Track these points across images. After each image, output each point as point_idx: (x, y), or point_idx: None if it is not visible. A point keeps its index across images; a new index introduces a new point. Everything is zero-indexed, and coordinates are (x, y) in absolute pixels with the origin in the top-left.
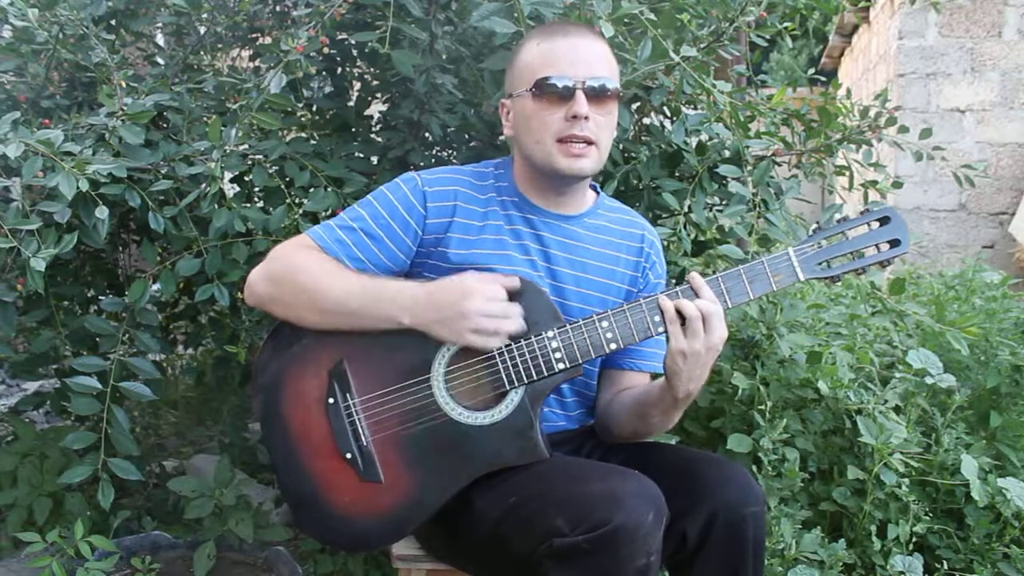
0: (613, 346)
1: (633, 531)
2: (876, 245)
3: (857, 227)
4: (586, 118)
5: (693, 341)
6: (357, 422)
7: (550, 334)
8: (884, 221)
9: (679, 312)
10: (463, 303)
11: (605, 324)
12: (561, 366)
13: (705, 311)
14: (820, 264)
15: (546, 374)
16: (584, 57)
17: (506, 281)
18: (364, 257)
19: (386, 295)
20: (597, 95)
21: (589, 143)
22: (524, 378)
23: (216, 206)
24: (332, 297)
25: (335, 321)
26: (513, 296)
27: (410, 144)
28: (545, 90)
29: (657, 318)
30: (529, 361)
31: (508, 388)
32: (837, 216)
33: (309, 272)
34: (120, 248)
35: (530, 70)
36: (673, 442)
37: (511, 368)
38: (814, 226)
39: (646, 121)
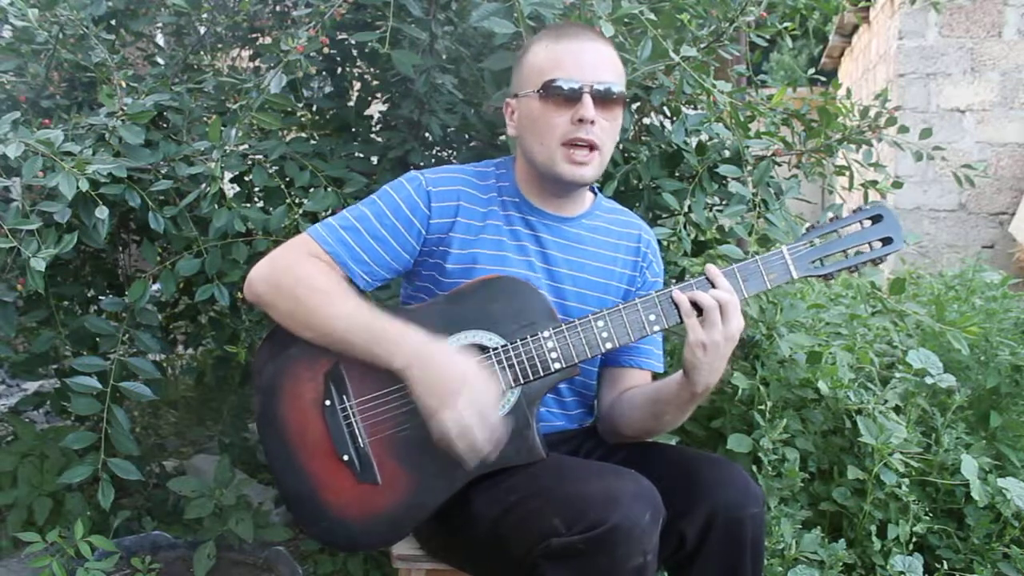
0: (609, 345)
1: (629, 531)
2: (869, 243)
3: (850, 225)
4: (592, 122)
5: (712, 332)
6: (354, 424)
7: (546, 334)
8: (876, 219)
9: (695, 304)
10: (455, 394)
11: (600, 324)
12: (557, 366)
13: (722, 301)
14: (814, 262)
15: (542, 374)
16: (592, 61)
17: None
18: (367, 258)
19: (386, 338)
20: (604, 99)
21: (592, 148)
22: (520, 378)
23: (216, 206)
24: (328, 323)
25: (326, 343)
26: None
27: (410, 144)
28: (552, 92)
29: (652, 317)
30: (525, 361)
31: (504, 388)
32: (830, 215)
33: (311, 289)
34: (120, 248)
35: (537, 71)
36: (673, 442)
37: (507, 368)
38: (807, 225)
39: (646, 121)
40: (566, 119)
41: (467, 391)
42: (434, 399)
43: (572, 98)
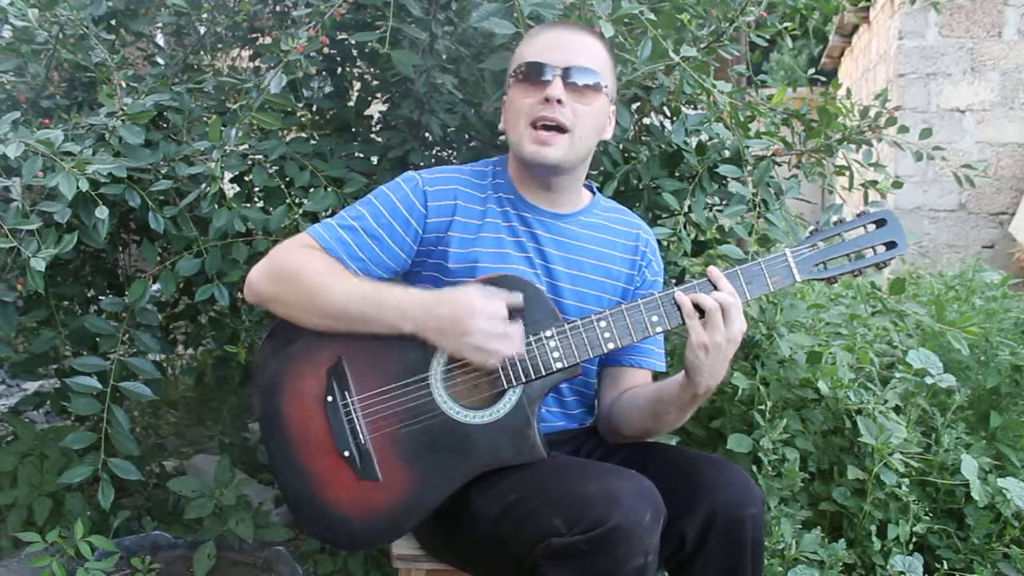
0: (611, 346)
1: (630, 531)
2: (873, 247)
3: (854, 229)
4: (559, 101)
5: (714, 334)
6: (355, 420)
7: (548, 334)
8: (880, 223)
9: (697, 306)
10: (466, 320)
11: (603, 324)
12: (559, 366)
13: (724, 303)
14: (817, 265)
15: (544, 373)
16: (567, 46)
17: (510, 298)
18: (365, 256)
19: (389, 302)
20: (577, 84)
21: (562, 130)
22: (522, 377)
23: (216, 206)
24: (334, 300)
25: (335, 325)
26: (515, 312)
27: (410, 144)
28: (525, 75)
29: (655, 318)
30: (527, 361)
31: (506, 387)
32: (834, 218)
33: (311, 273)
34: (120, 248)
35: (517, 60)
36: (673, 443)
37: (509, 367)
38: (811, 228)
39: (646, 121)
40: (535, 100)
41: (477, 314)
42: (456, 339)
43: (543, 81)
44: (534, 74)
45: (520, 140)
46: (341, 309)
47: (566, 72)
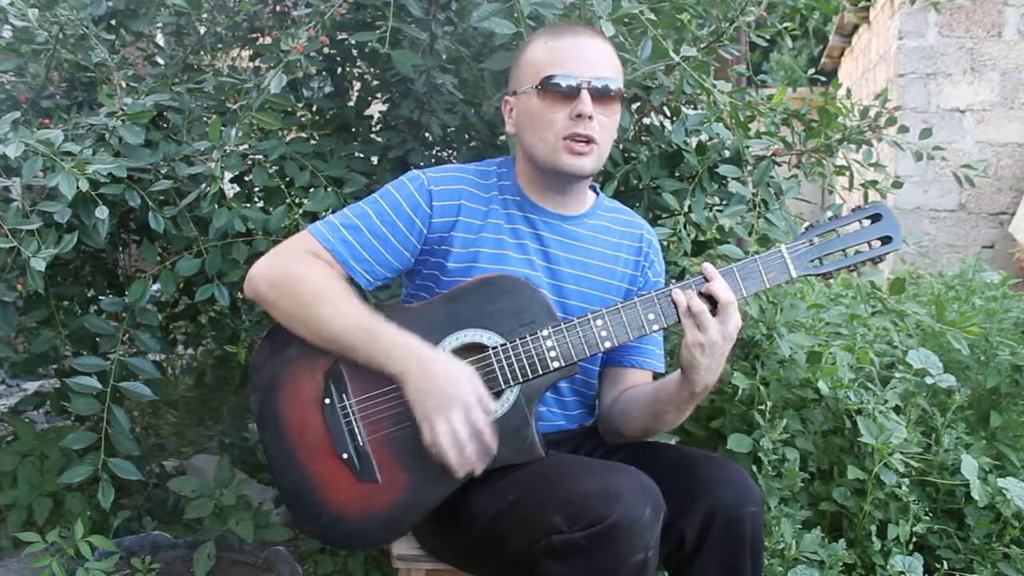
0: (608, 344)
1: (630, 526)
2: (868, 242)
3: (849, 225)
4: (590, 117)
5: (710, 332)
6: (353, 422)
7: (544, 333)
8: (875, 218)
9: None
10: (451, 405)
11: (599, 323)
12: (556, 364)
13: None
14: (812, 261)
15: (541, 373)
16: (590, 57)
17: (488, 430)
18: (369, 257)
19: (381, 341)
20: (601, 95)
21: (591, 142)
22: (519, 377)
23: (216, 206)
24: (327, 324)
25: (323, 344)
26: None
27: (410, 144)
28: (550, 88)
29: (651, 316)
30: (524, 360)
31: (503, 387)
32: (829, 214)
33: (311, 289)
34: (120, 248)
35: (536, 68)
36: (673, 442)
37: (506, 367)
38: (807, 224)
39: (646, 121)
40: (564, 115)
41: (462, 402)
42: (429, 406)
43: (570, 94)
44: (561, 90)
45: (553, 152)
46: (333, 334)
47: (593, 87)
